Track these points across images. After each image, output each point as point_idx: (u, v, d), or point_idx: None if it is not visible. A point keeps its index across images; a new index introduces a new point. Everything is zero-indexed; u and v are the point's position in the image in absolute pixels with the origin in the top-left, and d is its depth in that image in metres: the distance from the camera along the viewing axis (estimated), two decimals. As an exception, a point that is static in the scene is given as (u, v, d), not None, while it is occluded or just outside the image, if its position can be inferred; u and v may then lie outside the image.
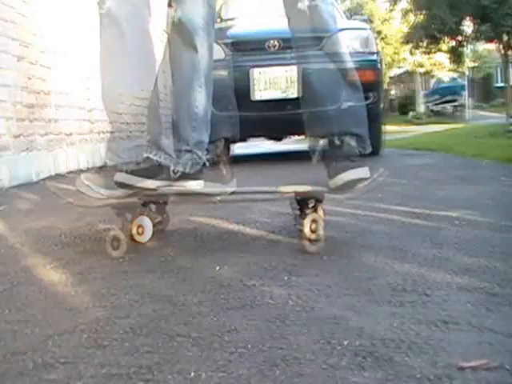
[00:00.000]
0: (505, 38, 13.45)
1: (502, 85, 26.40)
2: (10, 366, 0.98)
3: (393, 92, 34.94)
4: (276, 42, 4.75)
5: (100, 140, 5.70)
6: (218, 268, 1.54)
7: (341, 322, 1.11)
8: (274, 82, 4.71)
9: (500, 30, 13.24)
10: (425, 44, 16.33)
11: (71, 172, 4.80)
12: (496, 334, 1.02)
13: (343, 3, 27.51)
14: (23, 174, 4.10)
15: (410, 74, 31.43)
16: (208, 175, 1.69)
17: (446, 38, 15.65)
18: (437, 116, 23.93)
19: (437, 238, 1.81)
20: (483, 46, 24.70)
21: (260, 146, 8.93)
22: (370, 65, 4.79)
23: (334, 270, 1.48)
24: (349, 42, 4.58)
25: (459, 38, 15.65)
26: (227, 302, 1.27)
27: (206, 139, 1.74)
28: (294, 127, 4.98)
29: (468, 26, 15.10)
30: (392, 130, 12.34)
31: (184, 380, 0.90)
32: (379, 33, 26.08)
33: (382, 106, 5.07)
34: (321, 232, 1.64)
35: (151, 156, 1.86)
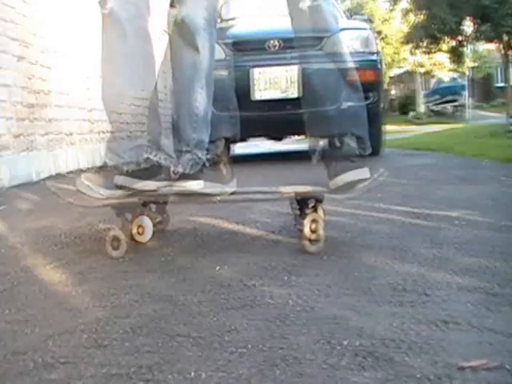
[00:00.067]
0: (505, 38, 13.45)
1: (502, 85, 26.40)
2: (10, 366, 0.98)
3: (393, 92, 34.94)
4: (276, 42, 4.75)
5: (100, 140, 5.70)
6: (217, 268, 1.54)
7: (341, 321, 1.11)
8: (274, 82, 4.71)
9: (500, 30, 13.24)
10: (425, 44, 16.33)
11: (71, 172, 4.80)
12: (496, 334, 1.02)
13: (343, 3, 27.51)
14: (23, 173, 4.10)
15: (410, 74, 31.43)
16: (208, 175, 1.69)
17: (446, 37, 15.65)
18: (437, 116, 23.93)
19: (437, 238, 1.81)
20: (483, 46, 24.69)
21: (260, 146, 8.93)
22: (370, 65, 4.79)
23: (334, 269, 1.48)
24: (349, 42, 4.58)
25: (459, 37, 15.65)
26: (227, 302, 1.27)
27: (207, 139, 1.74)
28: (294, 127, 4.99)
29: (468, 26, 15.10)
30: (392, 130, 12.34)
31: (184, 380, 0.90)
32: (379, 33, 26.08)
33: (382, 105, 5.07)
34: (321, 232, 1.64)
35: (151, 157, 1.86)
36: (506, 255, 1.57)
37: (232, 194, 1.77)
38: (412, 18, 17.36)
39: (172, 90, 1.81)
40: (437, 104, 26.02)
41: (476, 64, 29.30)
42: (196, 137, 1.73)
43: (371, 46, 4.98)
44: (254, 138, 6.40)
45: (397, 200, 2.57)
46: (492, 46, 19.11)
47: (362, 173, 1.73)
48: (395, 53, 29.24)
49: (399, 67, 32.36)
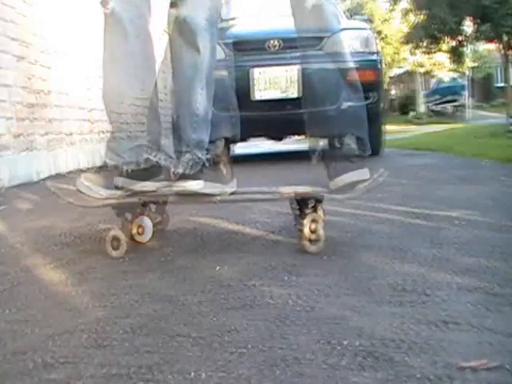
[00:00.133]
0: (505, 38, 13.45)
1: (502, 85, 26.39)
2: (10, 366, 0.98)
3: (393, 92, 34.94)
4: (276, 42, 4.75)
5: (100, 140, 5.70)
6: (217, 268, 1.54)
7: (341, 322, 1.11)
8: (274, 82, 4.71)
9: (500, 30, 13.23)
10: (425, 44, 16.32)
11: (71, 172, 4.80)
12: (496, 334, 1.02)
13: (343, 3, 27.51)
14: (23, 173, 4.10)
15: (410, 74, 31.42)
16: (208, 175, 1.69)
17: (446, 37, 15.65)
18: (437, 116, 23.92)
19: (437, 237, 1.81)
20: (483, 46, 24.69)
21: (260, 146, 8.93)
22: (371, 65, 4.79)
23: (334, 270, 1.48)
24: (349, 42, 4.58)
25: (459, 37, 15.64)
26: (227, 302, 1.27)
27: (207, 139, 1.74)
28: (293, 127, 4.99)
29: (468, 26, 15.10)
30: (392, 130, 12.34)
31: (184, 380, 0.90)
32: (379, 33, 26.07)
33: (382, 106, 5.07)
34: (321, 232, 1.64)
35: (151, 157, 1.87)
36: (506, 255, 1.57)
37: (232, 193, 1.77)
38: (412, 18, 17.36)
39: (172, 90, 1.81)
40: (437, 104, 26.02)
41: (476, 64, 29.30)
42: (196, 137, 1.73)
43: (371, 46, 4.98)
44: (254, 138, 6.40)
45: (397, 200, 2.57)
46: (492, 46, 19.11)
47: (362, 173, 1.73)
48: (395, 53, 29.24)
49: (399, 67, 32.36)
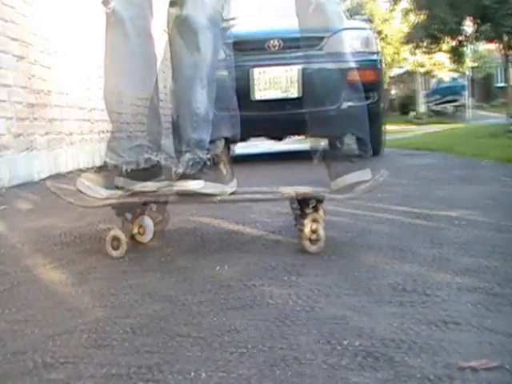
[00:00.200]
0: (505, 38, 13.45)
1: (502, 85, 26.42)
2: (10, 366, 0.98)
3: (393, 92, 34.94)
4: (276, 42, 4.75)
5: (100, 140, 5.70)
6: (218, 268, 1.54)
7: (341, 322, 1.11)
8: (274, 82, 4.71)
9: (500, 30, 13.24)
10: (425, 44, 16.33)
11: (71, 172, 4.80)
12: (496, 334, 1.02)
13: (343, 3, 27.50)
14: (23, 173, 4.10)
15: (410, 74, 31.42)
16: (208, 175, 1.69)
17: (446, 37, 15.66)
18: (437, 116, 23.93)
19: (437, 238, 1.81)
20: (484, 46, 24.69)
21: (260, 146, 8.93)
22: (371, 65, 4.79)
23: (334, 270, 1.48)
24: (349, 42, 4.58)
25: (460, 37, 15.65)
26: (227, 302, 1.27)
27: (207, 139, 1.73)
28: (294, 127, 5.00)
29: (468, 26, 15.10)
30: (392, 130, 12.34)
31: (184, 380, 0.90)
32: (379, 33, 26.07)
33: (382, 105, 5.07)
34: (321, 232, 1.64)
35: (152, 157, 1.87)
36: (506, 255, 1.56)
37: (232, 193, 1.77)
38: (412, 18, 17.36)
39: (172, 89, 1.81)
40: (437, 104, 26.02)
41: (476, 64, 29.30)
42: (196, 137, 1.73)
43: (371, 46, 4.98)
44: (254, 138, 6.40)
45: (397, 200, 2.57)
46: (492, 46, 19.11)
47: (364, 174, 1.73)
48: (395, 53, 29.24)
49: (399, 67, 32.35)
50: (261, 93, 4.74)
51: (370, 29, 5.36)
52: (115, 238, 1.69)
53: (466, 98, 24.31)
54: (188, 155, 1.71)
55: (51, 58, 4.77)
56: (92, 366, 0.96)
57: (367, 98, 4.34)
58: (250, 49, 4.80)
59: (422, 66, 28.45)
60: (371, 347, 0.98)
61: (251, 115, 3.97)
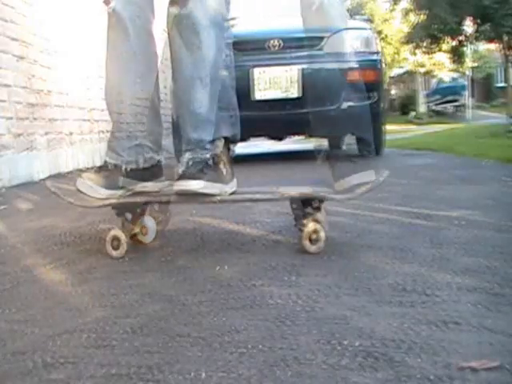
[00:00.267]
0: (505, 38, 13.45)
1: (502, 85, 26.41)
2: (10, 366, 0.98)
3: (393, 92, 34.94)
4: (276, 42, 4.75)
5: (100, 140, 5.70)
6: (217, 268, 1.54)
7: (341, 322, 1.11)
8: (274, 82, 4.72)
9: (500, 31, 13.23)
10: (425, 44, 16.33)
11: (71, 172, 4.80)
12: (496, 334, 1.02)
13: (344, 3, 27.47)
14: (23, 173, 4.10)
15: (410, 74, 31.42)
16: (208, 175, 1.68)
17: (446, 37, 15.65)
18: (438, 116, 23.94)
19: (437, 238, 1.81)
20: (484, 46, 24.70)
21: (260, 145, 8.93)
22: (371, 65, 4.79)
23: (334, 270, 1.48)
24: (350, 42, 4.59)
25: (460, 37, 15.65)
26: (227, 302, 1.27)
27: (207, 139, 1.73)
28: (294, 127, 5.00)
29: (469, 26, 15.10)
30: (392, 130, 12.34)
31: (184, 380, 0.90)
32: (379, 33, 26.07)
33: (382, 105, 5.07)
34: (321, 233, 1.63)
35: (152, 157, 1.87)
36: (506, 255, 1.56)
37: (232, 193, 1.77)
38: (412, 17, 17.36)
39: (172, 89, 1.81)
40: (437, 104, 26.04)
41: (476, 64, 29.31)
42: (196, 136, 1.73)
43: (372, 46, 4.98)
44: (254, 138, 6.40)
45: (397, 200, 2.57)
46: (492, 46, 19.12)
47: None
48: (395, 53, 29.25)
49: (400, 67, 32.36)
50: (261, 93, 4.74)
51: (370, 29, 5.36)
52: (115, 238, 1.69)
53: (467, 98, 24.32)
54: (188, 155, 1.71)
55: (51, 57, 4.77)
56: (92, 365, 0.96)
57: (367, 97, 4.35)
58: (250, 49, 4.81)
59: (422, 65, 28.45)
60: (371, 347, 0.98)
61: (251, 115, 3.97)
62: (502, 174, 3.50)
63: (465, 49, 17.60)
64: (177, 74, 1.78)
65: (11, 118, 4.01)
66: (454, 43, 16.07)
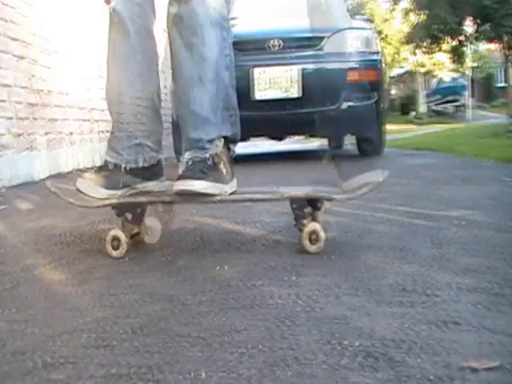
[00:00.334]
0: (505, 38, 13.45)
1: (503, 85, 26.43)
2: (10, 366, 0.98)
3: (393, 92, 34.94)
4: (277, 42, 4.75)
5: (100, 140, 5.70)
6: (217, 268, 1.54)
7: (341, 321, 1.11)
8: (274, 82, 4.72)
9: (500, 31, 13.24)
10: (426, 44, 16.34)
11: (71, 172, 4.80)
12: (496, 334, 1.02)
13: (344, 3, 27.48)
14: (23, 173, 4.10)
15: (410, 74, 31.43)
16: (208, 175, 1.68)
17: (446, 37, 15.66)
18: (438, 116, 23.95)
19: (437, 238, 1.81)
20: (484, 46, 24.70)
21: (260, 145, 8.93)
22: (371, 64, 4.79)
23: (334, 270, 1.48)
24: (350, 42, 4.59)
25: (460, 37, 15.65)
26: (227, 302, 1.27)
27: (207, 138, 1.73)
28: (294, 127, 5.00)
29: (469, 26, 15.11)
30: (393, 130, 12.34)
31: (184, 380, 0.90)
32: (380, 32, 26.08)
33: (382, 105, 5.07)
34: (321, 233, 1.63)
35: (154, 156, 1.87)
36: (506, 255, 1.56)
37: (232, 193, 1.76)
38: (413, 17, 17.37)
39: (172, 89, 1.80)
40: (437, 104, 26.05)
41: (477, 64, 29.32)
42: (196, 136, 1.73)
43: (372, 46, 4.98)
44: (254, 138, 6.40)
45: (397, 200, 2.56)
46: (493, 46, 19.12)
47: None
48: (396, 53, 29.25)
49: (400, 67, 32.36)
50: (261, 93, 4.75)
51: (371, 29, 5.36)
52: (115, 238, 1.69)
53: (467, 98, 24.33)
54: (188, 155, 1.71)
55: (51, 58, 4.76)
56: (92, 365, 0.96)
57: (368, 97, 4.35)
58: (251, 49, 4.81)
59: (423, 65, 28.47)
60: (371, 347, 0.98)
61: (251, 115, 3.97)
62: (502, 174, 3.50)
63: (465, 49, 17.61)
64: (177, 73, 1.78)
65: (11, 118, 4.01)
66: (454, 43, 16.08)
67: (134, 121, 1.82)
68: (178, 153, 1.74)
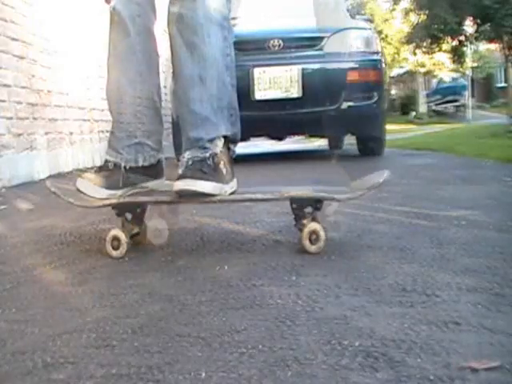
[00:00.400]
0: (505, 38, 13.45)
1: (503, 85, 26.43)
2: (10, 366, 0.98)
3: (394, 92, 34.93)
4: (277, 42, 4.76)
5: (100, 140, 5.70)
6: (217, 268, 1.54)
7: (341, 322, 1.11)
8: (274, 82, 4.72)
9: (501, 31, 13.24)
10: (426, 44, 16.34)
11: (71, 172, 4.80)
12: (496, 334, 1.02)
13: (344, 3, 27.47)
14: (23, 173, 4.10)
15: (411, 74, 31.42)
16: (208, 175, 1.68)
17: (447, 37, 15.66)
18: (438, 116, 23.96)
19: (437, 238, 1.81)
20: (484, 46, 24.70)
21: (260, 145, 8.93)
22: (372, 64, 4.79)
23: (334, 270, 1.48)
24: (350, 42, 4.59)
25: (460, 37, 15.65)
26: (227, 302, 1.27)
27: (206, 137, 1.73)
28: (294, 127, 5.00)
29: (469, 26, 15.11)
30: (393, 130, 12.34)
31: (184, 380, 0.90)
32: (380, 32, 26.07)
33: (382, 105, 5.07)
34: (321, 233, 1.63)
35: (154, 155, 1.87)
36: (506, 255, 1.56)
37: (232, 193, 1.76)
38: (413, 17, 17.37)
39: (172, 89, 1.80)
40: (438, 104, 26.06)
41: (477, 64, 29.32)
42: (195, 135, 1.73)
43: (372, 46, 4.98)
44: (254, 138, 6.40)
45: (397, 200, 2.57)
46: (493, 46, 19.12)
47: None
48: (396, 53, 29.25)
49: (400, 67, 32.36)
50: (261, 93, 4.75)
51: (371, 29, 5.36)
52: (115, 238, 1.69)
53: (467, 98, 24.34)
54: (187, 154, 1.71)
55: (51, 58, 4.76)
56: (92, 365, 0.96)
57: (368, 97, 4.34)
58: (251, 49, 4.81)
59: (423, 65, 28.46)
60: (371, 347, 0.98)
61: (252, 115, 3.97)
62: (502, 174, 3.50)
63: (465, 49, 17.60)
64: (177, 73, 1.78)
65: (11, 118, 4.01)
66: (455, 43, 16.07)
67: (134, 120, 1.82)
68: (178, 153, 1.74)
